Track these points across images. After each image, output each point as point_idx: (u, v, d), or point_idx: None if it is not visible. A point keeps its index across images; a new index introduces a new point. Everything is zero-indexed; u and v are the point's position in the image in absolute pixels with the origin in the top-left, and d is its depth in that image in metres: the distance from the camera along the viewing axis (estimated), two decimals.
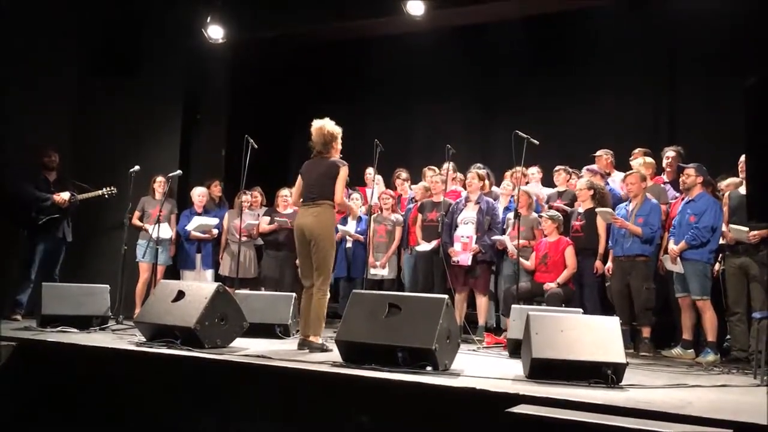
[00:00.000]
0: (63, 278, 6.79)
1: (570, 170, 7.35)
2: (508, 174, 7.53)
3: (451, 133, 8.65)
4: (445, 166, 7.32)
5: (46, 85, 7.68)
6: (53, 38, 7.76)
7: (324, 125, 5.23)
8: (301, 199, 5.26)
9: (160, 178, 7.75)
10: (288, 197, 7.87)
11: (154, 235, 7.08)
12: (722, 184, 6.17)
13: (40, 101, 7.59)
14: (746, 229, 5.43)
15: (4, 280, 6.76)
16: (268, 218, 7.77)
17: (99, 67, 8.37)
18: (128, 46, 8.46)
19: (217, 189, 8.35)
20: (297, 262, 7.68)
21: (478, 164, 7.69)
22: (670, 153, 6.77)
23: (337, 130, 5.26)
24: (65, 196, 6.94)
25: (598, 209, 6.34)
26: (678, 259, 5.85)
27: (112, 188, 7.21)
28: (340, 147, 5.31)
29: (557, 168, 7.34)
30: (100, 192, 7.18)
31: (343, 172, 5.15)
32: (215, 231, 7.83)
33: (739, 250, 5.58)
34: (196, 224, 7.67)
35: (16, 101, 7.19)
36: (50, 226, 6.89)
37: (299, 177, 5.33)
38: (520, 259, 6.36)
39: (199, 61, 8.86)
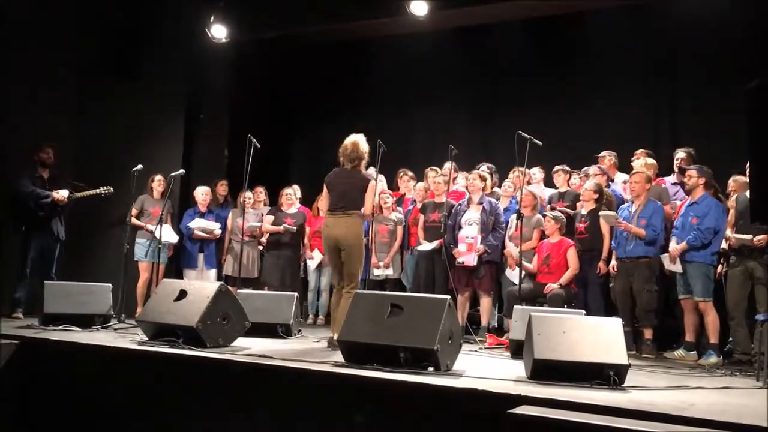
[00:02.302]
0: (64, 277, 6.75)
1: (569, 170, 7.35)
2: (510, 175, 7.53)
3: (454, 133, 8.65)
4: (447, 166, 7.32)
5: (49, 86, 7.67)
6: (55, 39, 7.75)
7: (360, 142, 5.57)
8: (328, 208, 5.51)
9: (158, 177, 7.76)
10: (291, 195, 7.89)
11: (157, 234, 7.08)
12: (731, 181, 6.14)
13: (43, 102, 7.60)
14: (749, 237, 5.44)
15: (1, 278, 6.77)
16: (272, 217, 7.78)
17: (101, 67, 8.37)
18: (131, 46, 8.46)
19: (222, 188, 8.37)
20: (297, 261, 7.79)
21: (487, 164, 7.70)
22: (680, 154, 6.75)
23: (368, 149, 5.62)
24: (64, 194, 6.92)
25: (601, 213, 6.33)
26: (677, 259, 5.86)
27: (109, 188, 7.16)
28: (365, 164, 5.68)
29: (556, 168, 7.34)
30: (96, 191, 7.14)
31: (372, 185, 5.52)
32: (218, 231, 7.84)
33: (745, 253, 5.58)
34: (197, 225, 7.72)
35: (19, 102, 7.20)
36: (43, 224, 6.87)
37: (326, 187, 5.58)
38: (523, 262, 6.34)
39: (201, 61, 8.87)
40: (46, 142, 7.13)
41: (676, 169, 6.79)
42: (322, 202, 5.79)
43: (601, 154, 7.29)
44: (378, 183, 7.49)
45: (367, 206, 5.49)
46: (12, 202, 6.85)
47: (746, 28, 7.16)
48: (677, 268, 5.88)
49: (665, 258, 6.00)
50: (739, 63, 7.00)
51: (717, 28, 7.40)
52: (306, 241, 7.90)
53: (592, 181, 6.74)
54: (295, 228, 7.69)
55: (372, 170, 7.34)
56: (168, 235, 7.39)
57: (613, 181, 7.23)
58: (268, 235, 7.82)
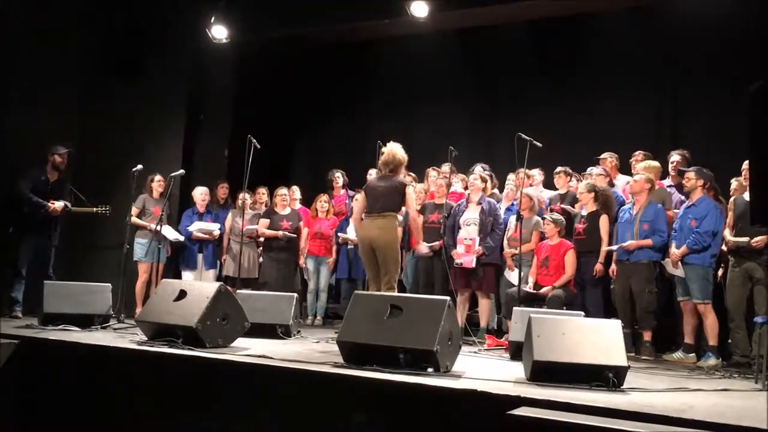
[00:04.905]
0: (64, 277, 6.74)
1: (570, 172, 7.35)
2: (511, 177, 7.53)
3: (455, 134, 8.65)
4: (445, 167, 7.32)
5: (50, 86, 7.69)
6: (57, 39, 7.77)
7: (397, 152, 5.80)
8: (365, 211, 5.73)
9: (158, 177, 7.76)
10: (285, 196, 7.89)
11: (171, 236, 7.11)
12: (733, 181, 6.14)
13: (44, 102, 7.60)
14: (746, 239, 5.45)
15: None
16: (267, 220, 7.75)
17: (103, 67, 8.39)
18: (132, 46, 8.47)
19: (222, 190, 8.37)
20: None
21: (483, 164, 7.70)
22: (675, 157, 6.77)
23: (405, 157, 5.86)
24: (59, 206, 6.87)
25: (605, 248, 6.34)
26: (679, 263, 5.86)
27: (107, 207, 7.16)
28: (404, 171, 5.94)
29: (558, 170, 7.34)
30: (94, 209, 7.12)
31: (411, 189, 5.83)
32: (216, 233, 7.85)
33: (744, 254, 5.58)
34: (196, 228, 7.74)
35: (21, 103, 7.20)
36: (37, 227, 6.84)
37: (363, 193, 5.85)
38: (525, 279, 6.34)
39: (202, 61, 8.87)
40: (67, 144, 7.11)
41: (672, 172, 6.80)
42: (357, 204, 6.04)
43: (603, 156, 7.30)
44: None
45: (411, 208, 5.78)
46: (5, 203, 6.84)
47: (749, 30, 7.15)
48: (680, 272, 5.88)
49: (667, 263, 6.01)
50: (742, 65, 6.98)
51: (719, 30, 7.41)
52: (302, 244, 7.89)
53: (585, 183, 6.74)
54: (295, 235, 7.70)
55: (372, 172, 7.35)
56: (171, 232, 7.40)
57: (614, 185, 7.24)
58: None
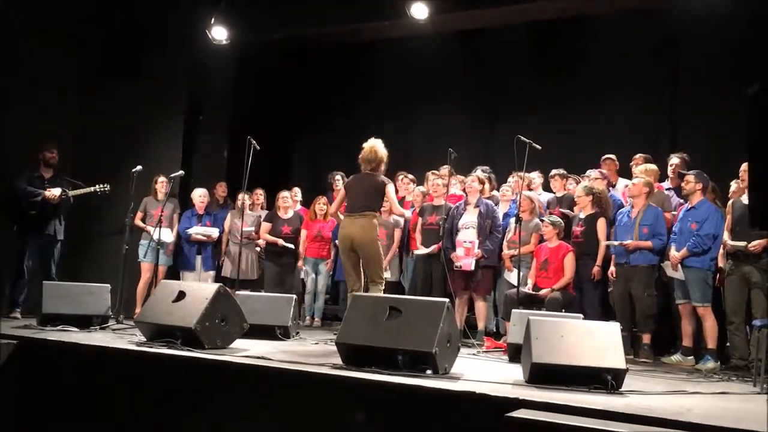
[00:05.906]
0: (64, 277, 6.72)
1: (566, 174, 7.35)
2: (510, 179, 7.53)
3: (454, 136, 8.67)
4: (443, 169, 7.32)
5: (50, 86, 7.69)
6: (57, 39, 7.77)
7: (378, 148, 5.78)
8: (345, 210, 5.74)
9: (162, 179, 7.75)
10: (287, 199, 7.89)
11: (155, 237, 7.07)
12: (732, 184, 6.13)
13: (44, 102, 7.60)
14: (744, 243, 5.44)
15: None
16: (269, 225, 7.76)
17: (102, 68, 8.39)
18: (132, 46, 8.47)
19: (221, 189, 8.38)
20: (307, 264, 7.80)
21: (484, 166, 7.69)
22: (674, 160, 6.77)
23: (386, 154, 5.84)
24: (56, 192, 6.87)
25: (603, 242, 6.34)
26: (679, 266, 5.86)
27: (105, 185, 7.08)
28: (384, 168, 5.85)
29: (552, 173, 7.35)
30: (92, 189, 7.04)
31: (391, 188, 5.78)
32: (215, 236, 7.85)
33: (741, 258, 5.57)
34: (195, 231, 7.75)
35: (20, 103, 7.20)
36: (41, 223, 6.84)
37: (343, 190, 5.87)
38: (524, 281, 6.33)
39: (202, 62, 8.87)
40: (51, 141, 7.10)
41: (671, 175, 6.81)
42: (337, 199, 6.06)
43: (603, 158, 7.30)
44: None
45: (394, 207, 5.86)
46: (4, 201, 6.83)
47: (749, 33, 7.16)
48: (679, 275, 5.88)
49: (667, 266, 6.01)
50: (742, 69, 7.00)
51: (718, 33, 7.42)
52: (301, 248, 7.90)
53: (582, 185, 6.73)
54: (293, 246, 7.71)
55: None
56: (166, 234, 7.39)
57: (614, 186, 7.24)
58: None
